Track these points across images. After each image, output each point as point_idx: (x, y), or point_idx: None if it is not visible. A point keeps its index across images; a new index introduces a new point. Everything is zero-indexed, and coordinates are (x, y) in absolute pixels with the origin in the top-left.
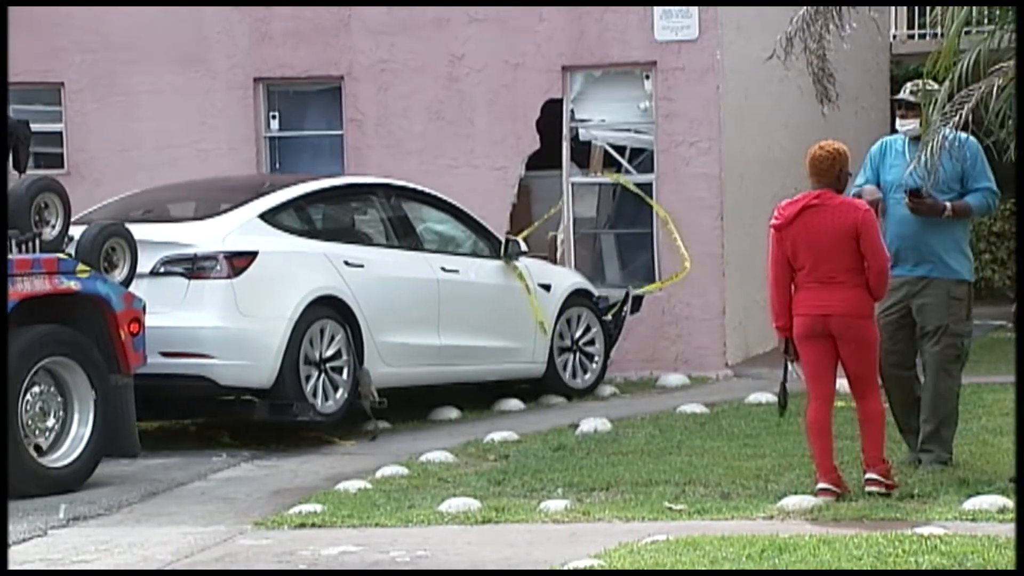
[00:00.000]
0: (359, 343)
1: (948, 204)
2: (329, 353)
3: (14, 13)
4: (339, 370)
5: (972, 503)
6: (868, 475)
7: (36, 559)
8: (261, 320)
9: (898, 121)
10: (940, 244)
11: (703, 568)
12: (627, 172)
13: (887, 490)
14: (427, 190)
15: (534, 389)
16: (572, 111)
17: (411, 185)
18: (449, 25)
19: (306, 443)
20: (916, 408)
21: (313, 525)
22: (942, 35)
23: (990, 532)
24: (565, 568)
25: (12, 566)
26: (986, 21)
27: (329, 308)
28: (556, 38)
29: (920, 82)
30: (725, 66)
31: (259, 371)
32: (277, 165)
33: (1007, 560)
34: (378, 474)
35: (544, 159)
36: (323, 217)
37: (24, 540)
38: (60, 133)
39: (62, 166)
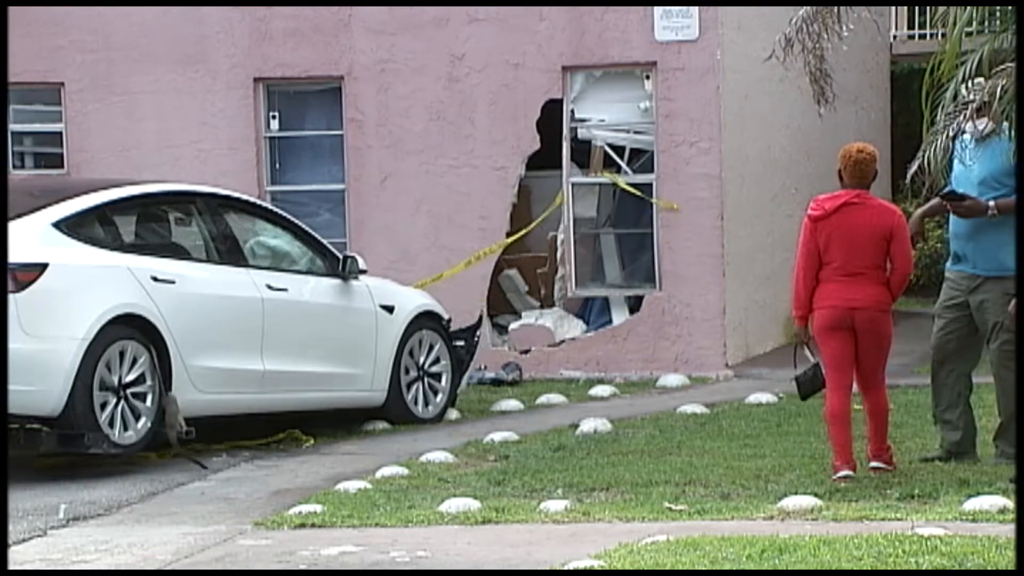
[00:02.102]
0: (166, 367)
1: (991, 203)
2: (130, 378)
3: (14, 13)
4: (142, 397)
5: (972, 503)
6: (873, 464)
7: (36, 559)
8: (48, 340)
9: None
10: (993, 242)
11: (703, 568)
12: (624, 173)
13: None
14: (257, 201)
15: (372, 416)
16: (572, 111)
17: (238, 195)
18: (449, 25)
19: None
20: (956, 403)
21: (313, 525)
22: (943, 35)
23: (990, 533)
24: (565, 568)
25: (12, 566)
26: (987, 23)
27: (131, 328)
28: (556, 38)
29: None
30: (725, 66)
31: (45, 397)
32: (277, 165)
33: (1007, 561)
34: (378, 474)
35: (544, 159)
36: (131, 227)
37: (24, 540)
38: (60, 133)
39: (62, 166)
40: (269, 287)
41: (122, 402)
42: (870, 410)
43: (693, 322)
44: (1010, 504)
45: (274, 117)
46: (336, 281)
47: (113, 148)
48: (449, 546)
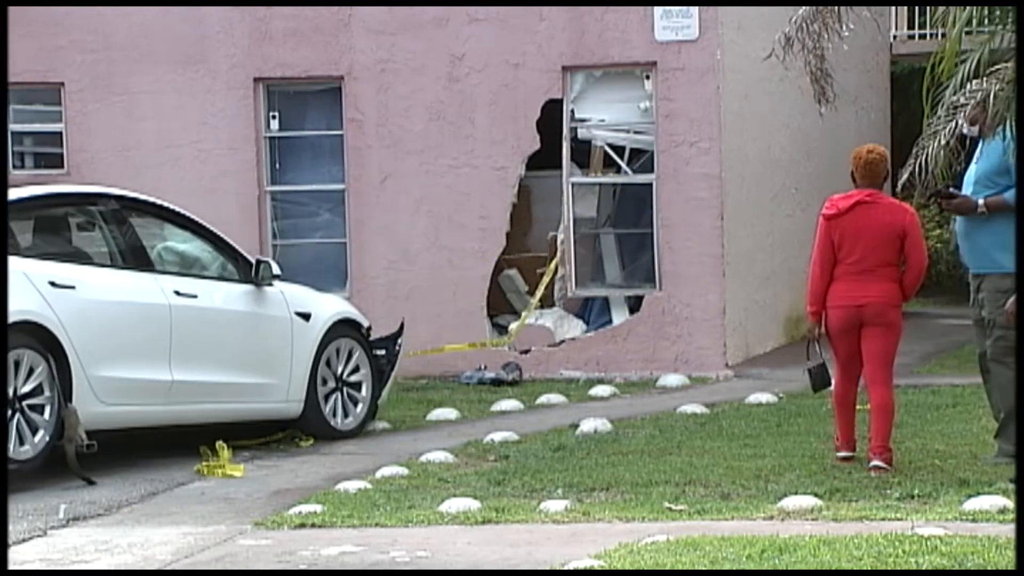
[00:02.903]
0: (66, 377)
1: (981, 200)
2: (26, 389)
3: (14, 13)
4: (39, 409)
5: (972, 503)
6: (874, 463)
7: (36, 559)
8: None
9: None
10: (987, 240)
11: (703, 568)
12: (624, 173)
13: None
14: (165, 204)
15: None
16: (572, 111)
17: (144, 198)
18: (449, 25)
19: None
20: None
21: (313, 525)
22: (943, 35)
23: (990, 533)
24: (565, 568)
25: (12, 566)
26: (986, 22)
27: (27, 336)
28: (556, 38)
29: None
30: (725, 66)
31: None
32: (277, 165)
33: (1007, 561)
34: (378, 474)
35: (544, 159)
36: (28, 231)
37: (24, 540)
38: (60, 133)
39: (62, 166)
40: (177, 293)
41: (17, 415)
42: (875, 406)
43: (693, 322)
44: (1010, 504)
45: (274, 117)
46: (249, 287)
47: (113, 148)
48: (449, 546)
